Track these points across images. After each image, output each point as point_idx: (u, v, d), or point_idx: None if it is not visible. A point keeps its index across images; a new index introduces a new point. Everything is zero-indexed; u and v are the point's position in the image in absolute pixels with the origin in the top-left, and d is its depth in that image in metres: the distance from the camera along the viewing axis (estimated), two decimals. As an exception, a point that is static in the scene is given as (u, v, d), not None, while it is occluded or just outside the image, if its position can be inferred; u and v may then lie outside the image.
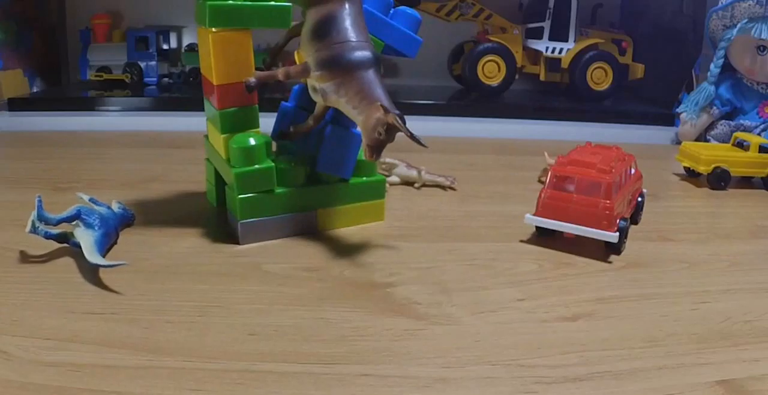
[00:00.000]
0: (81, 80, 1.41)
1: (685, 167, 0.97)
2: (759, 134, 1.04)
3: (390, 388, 0.42)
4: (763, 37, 1.04)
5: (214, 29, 0.60)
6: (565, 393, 0.42)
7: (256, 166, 0.63)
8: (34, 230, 0.57)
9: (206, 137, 0.72)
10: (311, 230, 0.67)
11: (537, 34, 1.41)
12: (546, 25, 1.40)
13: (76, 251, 0.58)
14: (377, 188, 0.71)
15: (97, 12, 1.43)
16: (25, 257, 0.59)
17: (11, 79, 1.29)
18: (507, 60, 1.37)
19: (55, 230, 0.58)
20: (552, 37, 1.40)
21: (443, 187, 0.87)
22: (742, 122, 1.10)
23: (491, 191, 0.87)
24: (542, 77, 1.44)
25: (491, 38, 1.37)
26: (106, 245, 0.59)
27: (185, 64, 1.45)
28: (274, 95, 1.18)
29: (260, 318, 0.50)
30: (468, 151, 1.11)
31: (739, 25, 1.06)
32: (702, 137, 1.16)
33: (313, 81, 0.60)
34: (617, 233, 0.62)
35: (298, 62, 0.65)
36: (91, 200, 0.64)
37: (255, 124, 0.65)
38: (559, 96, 1.45)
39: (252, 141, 0.63)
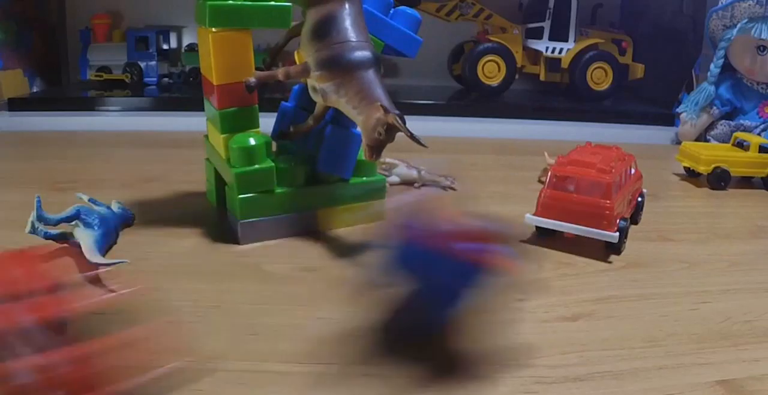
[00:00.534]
0: (81, 80, 1.41)
1: (685, 167, 0.97)
2: (759, 134, 1.04)
3: (390, 388, 0.42)
4: (763, 37, 1.04)
5: (214, 29, 0.60)
6: (565, 393, 0.42)
7: (256, 166, 0.63)
8: (33, 230, 0.57)
9: (206, 137, 0.72)
10: (311, 230, 0.67)
11: (537, 34, 1.41)
12: (546, 25, 1.40)
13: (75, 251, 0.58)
14: (377, 188, 0.71)
15: (97, 12, 1.43)
16: (25, 257, 0.59)
17: (11, 79, 1.29)
18: (507, 60, 1.37)
19: (54, 231, 0.58)
20: (552, 37, 1.40)
21: (443, 187, 0.86)
22: (742, 122, 1.10)
23: (491, 191, 0.87)
24: (542, 77, 1.44)
25: (491, 38, 1.37)
26: (105, 245, 0.59)
27: (185, 64, 1.45)
28: (274, 95, 1.18)
29: (260, 318, 0.50)
30: (468, 151, 1.11)
31: (739, 25, 1.06)
32: (702, 137, 1.16)
33: (313, 81, 0.60)
34: (617, 233, 0.62)
35: (298, 62, 0.65)
36: (90, 200, 0.64)
37: (255, 124, 0.65)
38: (559, 96, 1.45)
39: (252, 141, 0.63)
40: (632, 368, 0.45)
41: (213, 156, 0.70)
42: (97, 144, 1.06)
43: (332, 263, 0.61)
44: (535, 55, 1.43)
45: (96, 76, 1.38)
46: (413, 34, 0.69)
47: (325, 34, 0.59)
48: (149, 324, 0.42)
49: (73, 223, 0.58)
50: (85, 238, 0.56)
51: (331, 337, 0.47)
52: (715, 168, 0.91)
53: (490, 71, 1.37)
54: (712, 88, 1.11)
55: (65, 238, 0.59)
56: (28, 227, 0.57)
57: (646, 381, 0.43)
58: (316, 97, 0.62)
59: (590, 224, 0.63)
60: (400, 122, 0.55)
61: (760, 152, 0.94)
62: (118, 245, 0.62)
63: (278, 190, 0.65)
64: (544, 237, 0.69)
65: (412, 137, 0.56)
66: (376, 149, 0.56)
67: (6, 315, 0.36)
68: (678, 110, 1.20)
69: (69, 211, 0.58)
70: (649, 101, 1.41)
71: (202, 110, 0.70)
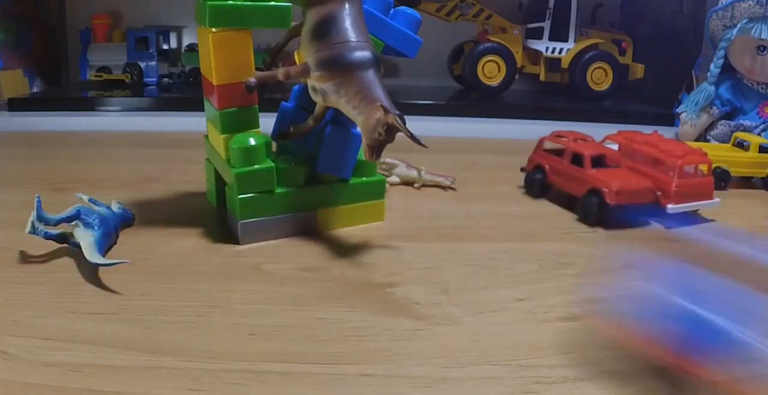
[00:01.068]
0: (81, 80, 1.41)
1: (685, 167, 0.97)
2: (759, 134, 1.04)
3: (390, 388, 0.42)
4: (763, 37, 1.04)
5: (214, 29, 0.60)
6: (565, 393, 0.42)
7: (257, 166, 0.63)
8: (33, 230, 0.57)
9: (206, 137, 0.72)
10: (311, 230, 0.67)
11: (537, 34, 1.41)
12: (546, 25, 1.40)
13: (75, 251, 0.58)
14: (377, 188, 0.71)
15: (97, 12, 1.42)
16: (25, 257, 0.59)
17: (11, 79, 1.29)
18: (507, 60, 1.37)
19: (54, 231, 0.58)
20: (552, 37, 1.40)
21: (443, 187, 0.86)
22: (742, 122, 1.10)
23: (491, 191, 0.87)
24: (542, 77, 1.43)
25: (491, 38, 1.37)
26: (105, 246, 0.59)
27: (185, 64, 1.45)
28: (274, 95, 1.18)
29: (260, 318, 0.50)
30: (468, 151, 1.11)
31: (739, 25, 1.06)
32: (702, 137, 1.15)
33: (313, 81, 0.60)
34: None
35: (298, 62, 0.65)
36: (90, 200, 0.64)
37: (255, 124, 0.65)
38: (559, 96, 1.45)
39: (252, 141, 0.63)
40: (632, 368, 0.45)
41: (213, 156, 0.70)
42: (97, 144, 1.06)
43: (332, 263, 0.61)
44: (535, 56, 1.43)
45: (96, 76, 1.38)
46: (413, 35, 0.69)
47: (325, 34, 0.59)
48: None
49: (73, 223, 0.58)
50: (85, 238, 0.56)
51: (331, 337, 0.47)
52: (716, 168, 0.91)
53: (490, 71, 1.37)
54: (712, 88, 1.11)
55: (65, 238, 0.59)
56: (28, 227, 0.57)
57: (646, 381, 0.43)
58: (316, 98, 0.62)
59: (706, 197, 0.77)
60: (400, 122, 0.55)
61: (760, 152, 0.94)
62: (118, 245, 0.62)
63: (278, 190, 0.65)
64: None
65: (412, 137, 0.56)
66: (376, 149, 0.56)
67: None
68: (678, 110, 1.20)
69: (69, 211, 0.58)
70: (649, 101, 1.41)
71: (202, 110, 0.70)
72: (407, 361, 0.45)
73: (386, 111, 0.55)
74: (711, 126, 1.14)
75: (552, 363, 0.45)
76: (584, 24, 1.43)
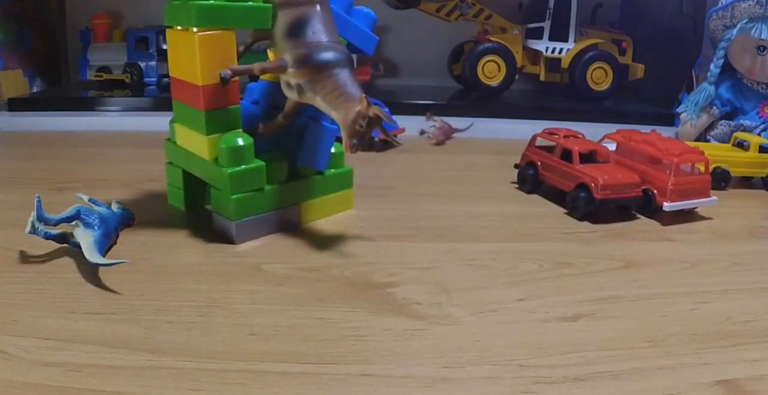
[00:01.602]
0: (81, 80, 1.40)
1: (685, 167, 0.97)
2: (759, 134, 1.04)
3: (390, 388, 0.42)
4: (763, 37, 1.04)
5: (196, 30, 0.60)
6: (565, 393, 0.42)
7: (248, 165, 0.63)
8: (33, 230, 0.57)
9: (168, 140, 0.72)
10: (294, 224, 0.69)
11: (537, 34, 1.41)
12: (546, 25, 1.39)
13: (75, 251, 0.58)
14: (347, 179, 0.75)
15: (97, 12, 1.42)
16: (25, 257, 0.59)
17: (11, 79, 1.29)
18: (507, 60, 1.36)
19: (54, 231, 0.58)
20: (552, 37, 1.40)
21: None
22: (742, 122, 1.10)
23: (491, 191, 0.87)
24: (542, 77, 1.43)
25: (491, 38, 1.37)
26: (105, 246, 0.59)
27: (185, 64, 1.45)
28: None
29: (260, 318, 0.50)
30: (468, 151, 1.11)
31: (739, 25, 1.06)
32: (702, 137, 1.15)
33: (289, 77, 0.62)
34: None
35: (271, 60, 0.66)
36: (90, 200, 0.64)
37: (238, 124, 0.65)
38: (559, 96, 1.45)
39: (240, 141, 0.63)
40: (632, 368, 0.45)
41: (181, 159, 0.70)
42: (97, 144, 1.06)
43: (332, 263, 0.61)
44: (535, 56, 1.43)
45: (96, 76, 1.38)
46: (371, 33, 0.71)
47: (301, 33, 0.61)
48: None
49: (73, 223, 0.58)
50: (85, 238, 0.56)
51: (331, 337, 0.47)
52: (715, 168, 0.91)
53: (490, 71, 1.37)
54: (712, 88, 1.11)
55: (65, 238, 0.59)
56: (28, 227, 0.57)
57: (646, 381, 0.43)
58: (290, 93, 0.64)
59: (703, 195, 0.77)
60: (383, 113, 0.57)
61: (760, 152, 0.94)
62: (118, 245, 0.62)
63: (267, 187, 0.66)
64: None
65: (386, 134, 0.61)
66: (358, 141, 0.58)
67: None
68: (678, 110, 1.19)
69: (69, 211, 0.58)
70: (649, 101, 1.41)
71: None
72: (407, 361, 0.45)
73: (369, 104, 0.57)
74: (711, 126, 1.14)
75: (552, 363, 0.45)
76: (584, 24, 1.43)
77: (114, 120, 1.20)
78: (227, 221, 0.64)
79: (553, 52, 1.40)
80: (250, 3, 0.62)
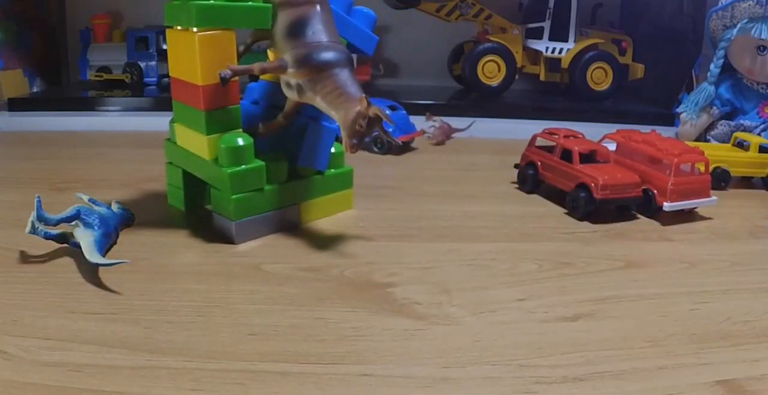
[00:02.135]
0: (81, 80, 1.40)
1: (685, 167, 0.97)
2: (759, 134, 1.04)
3: (390, 388, 0.42)
4: (763, 37, 1.04)
5: (196, 30, 0.60)
6: (565, 393, 0.42)
7: (248, 165, 0.64)
8: (33, 230, 0.57)
9: (168, 140, 0.72)
10: (294, 224, 0.69)
11: (537, 34, 1.41)
12: (546, 25, 1.40)
13: (75, 251, 0.58)
14: (347, 179, 0.75)
15: (97, 12, 1.42)
16: (25, 257, 0.59)
17: (11, 79, 1.29)
18: (507, 60, 1.36)
19: (54, 231, 0.58)
20: (552, 37, 1.40)
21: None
22: (742, 122, 1.10)
23: (491, 191, 0.87)
24: (542, 77, 1.43)
25: (491, 38, 1.37)
26: (105, 246, 0.59)
27: (185, 64, 1.45)
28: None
29: (260, 318, 0.50)
30: (468, 151, 1.11)
31: (739, 25, 1.06)
32: (702, 137, 1.15)
33: (289, 77, 0.62)
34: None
35: (271, 60, 0.66)
36: (90, 200, 0.64)
37: (238, 124, 0.66)
38: (559, 96, 1.45)
39: (240, 141, 0.63)
40: (632, 368, 0.45)
41: (181, 159, 0.70)
42: (97, 144, 1.06)
43: (332, 263, 0.61)
44: (535, 55, 1.43)
45: (96, 76, 1.38)
46: (371, 33, 0.71)
47: (301, 33, 0.61)
48: None
49: (73, 223, 0.58)
50: (85, 238, 0.56)
51: (331, 337, 0.47)
52: (715, 168, 0.91)
53: (490, 71, 1.37)
54: (712, 88, 1.11)
55: (65, 238, 0.59)
56: (28, 227, 0.57)
57: (646, 381, 0.43)
58: (290, 93, 0.64)
59: (703, 195, 0.77)
60: (383, 112, 0.57)
61: (760, 152, 0.94)
62: (118, 245, 0.62)
63: (266, 187, 0.66)
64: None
65: (386, 133, 0.60)
66: (357, 141, 0.58)
67: None
68: (678, 110, 1.19)
69: (69, 211, 0.58)
70: (649, 101, 1.41)
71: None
72: (407, 361, 0.45)
73: (369, 103, 0.57)
74: (711, 126, 1.14)
75: (552, 363, 0.45)
76: (584, 24, 1.43)
77: (114, 120, 1.20)
78: (227, 221, 0.64)
79: (553, 52, 1.40)
80: (250, 3, 0.62)
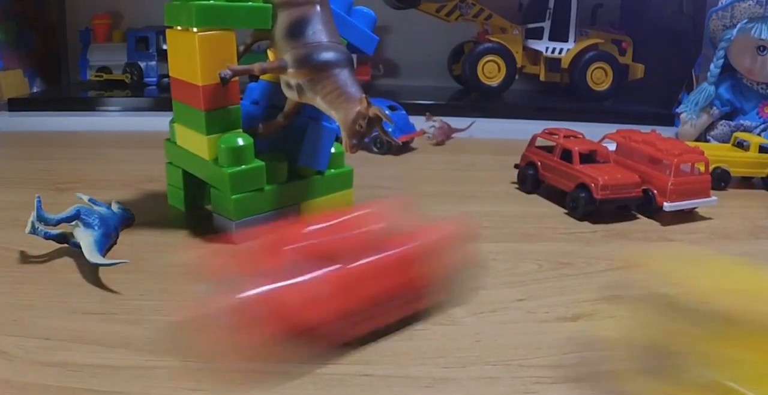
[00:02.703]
0: (81, 80, 1.40)
1: (685, 167, 0.97)
2: (759, 134, 1.04)
3: (390, 388, 0.42)
4: (763, 37, 1.04)
5: (196, 30, 0.60)
6: (565, 393, 0.42)
7: (248, 165, 0.64)
8: (33, 230, 0.57)
9: (168, 140, 0.72)
10: None
11: (537, 34, 1.41)
12: (546, 25, 1.40)
13: (75, 251, 0.58)
14: (347, 179, 0.74)
15: (97, 12, 1.42)
16: (25, 257, 0.59)
17: (11, 79, 1.29)
18: (507, 60, 1.36)
19: (54, 231, 0.58)
20: (552, 38, 1.40)
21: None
22: (742, 122, 1.10)
23: (491, 191, 0.87)
24: (542, 77, 1.43)
25: (491, 38, 1.37)
26: (105, 246, 0.59)
27: (185, 64, 1.45)
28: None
29: (260, 318, 0.50)
30: (468, 151, 1.11)
31: (739, 25, 1.06)
32: (702, 137, 1.15)
33: (289, 77, 0.62)
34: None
35: (271, 60, 0.66)
36: (90, 200, 0.64)
37: (238, 124, 0.65)
38: (559, 96, 1.45)
39: (240, 141, 0.63)
40: (632, 368, 0.44)
41: (182, 159, 0.70)
42: (97, 144, 1.06)
43: (332, 263, 0.60)
44: (535, 56, 1.43)
45: (96, 76, 1.38)
46: (371, 33, 0.71)
47: (300, 33, 0.61)
48: None
49: (73, 223, 0.58)
50: (85, 238, 0.56)
51: (331, 337, 0.47)
52: (715, 168, 0.91)
53: (490, 71, 1.37)
54: (712, 88, 1.11)
55: (65, 238, 0.59)
56: (28, 227, 0.57)
57: (646, 381, 0.43)
58: (290, 94, 0.64)
59: (703, 195, 0.77)
60: (383, 113, 0.57)
61: (760, 152, 0.94)
62: (118, 245, 0.62)
63: (267, 187, 0.66)
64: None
65: (385, 133, 0.60)
66: (357, 141, 0.58)
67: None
68: (678, 110, 1.20)
69: (69, 211, 0.58)
70: (649, 101, 1.41)
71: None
72: (407, 361, 0.45)
73: (369, 104, 0.57)
74: (711, 126, 1.14)
75: (552, 363, 0.45)
76: (584, 24, 1.43)
77: (114, 120, 1.20)
78: (227, 221, 0.64)
79: (553, 52, 1.40)
80: (250, 3, 0.62)
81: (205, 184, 0.68)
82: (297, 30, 0.61)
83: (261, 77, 0.71)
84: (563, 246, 0.67)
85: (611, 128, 0.91)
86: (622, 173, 0.77)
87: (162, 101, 1.26)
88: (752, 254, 0.68)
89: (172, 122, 0.70)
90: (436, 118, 1.16)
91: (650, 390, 0.39)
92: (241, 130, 0.65)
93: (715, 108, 1.12)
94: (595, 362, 0.45)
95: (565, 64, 1.39)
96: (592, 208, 0.75)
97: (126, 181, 0.83)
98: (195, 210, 0.73)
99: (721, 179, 0.91)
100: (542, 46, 1.41)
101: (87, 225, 0.58)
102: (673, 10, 1.39)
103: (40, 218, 0.57)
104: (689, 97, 1.15)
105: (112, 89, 1.34)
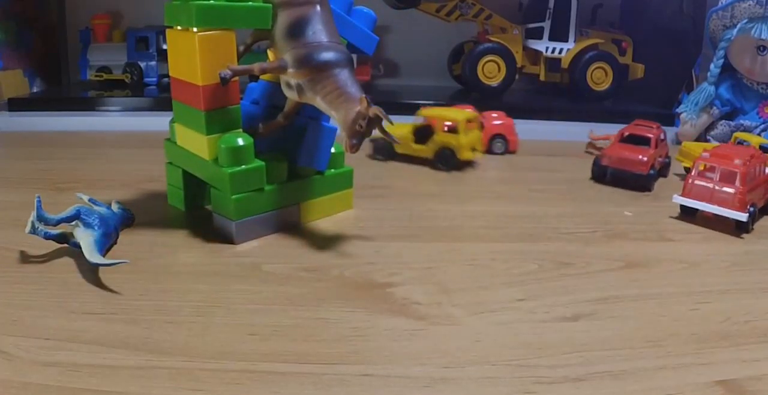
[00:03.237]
0: (81, 80, 1.41)
1: (685, 167, 0.97)
2: (759, 134, 1.04)
3: (390, 388, 0.42)
4: (763, 37, 1.04)
5: (196, 30, 0.60)
6: (565, 393, 0.42)
7: (248, 165, 0.64)
8: (33, 230, 0.57)
9: (167, 140, 0.72)
10: (294, 224, 0.69)
11: (537, 34, 1.41)
12: (546, 25, 1.40)
13: (75, 251, 0.58)
14: (347, 179, 0.75)
15: (97, 12, 1.42)
16: (25, 257, 0.59)
17: (11, 79, 1.29)
18: (507, 60, 1.36)
19: (54, 231, 0.58)
20: (552, 38, 1.40)
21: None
22: (742, 122, 1.10)
23: (491, 191, 0.87)
24: (542, 77, 1.43)
25: (491, 38, 1.37)
26: (105, 246, 0.59)
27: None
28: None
29: (260, 318, 0.50)
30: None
31: (739, 25, 1.06)
32: (702, 137, 1.16)
33: (289, 77, 0.62)
34: (747, 214, 0.72)
35: (271, 60, 0.66)
36: (90, 200, 0.64)
37: (238, 124, 0.66)
38: (559, 96, 1.45)
39: (240, 141, 0.63)
40: (632, 368, 0.45)
41: (182, 159, 0.70)
42: (97, 144, 1.06)
43: (332, 263, 0.61)
44: (535, 56, 1.43)
45: (96, 76, 1.38)
46: (371, 33, 0.71)
47: (300, 33, 0.61)
48: None
49: (73, 223, 0.58)
50: (85, 238, 0.56)
51: (331, 337, 0.47)
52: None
53: (490, 71, 1.37)
54: (712, 88, 1.11)
55: (65, 238, 0.59)
56: (28, 227, 0.57)
57: (646, 381, 0.43)
58: (290, 94, 0.64)
59: (726, 205, 0.73)
60: (383, 113, 0.57)
61: (760, 152, 0.94)
62: (118, 245, 0.62)
63: (267, 187, 0.66)
64: (687, 215, 0.78)
65: (385, 133, 0.60)
66: (357, 141, 0.58)
67: None
68: (678, 110, 1.20)
69: (69, 211, 0.58)
70: (649, 101, 1.41)
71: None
72: (407, 361, 0.45)
73: (369, 104, 0.57)
74: (711, 126, 1.14)
75: (552, 363, 0.45)
76: (584, 24, 1.43)
77: (114, 120, 1.20)
78: (227, 221, 0.64)
79: (553, 52, 1.40)
80: (250, 3, 0.63)
81: (205, 184, 0.68)
82: (297, 30, 0.61)
83: (261, 77, 0.71)
84: (563, 246, 0.67)
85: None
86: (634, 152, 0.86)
87: (162, 101, 1.26)
88: (753, 254, 0.68)
89: (172, 121, 0.70)
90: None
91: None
92: (241, 130, 0.65)
93: (715, 108, 1.12)
94: (595, 362, 0.45)
95: (565, 64, 1.39)
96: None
97: (126, 181, 0.83)
98: (195, 210, 0.73)
99: (721, 179, 0.91)
100: (542, 46, 1.41)
101: (87, 225, 0.58)
102: (673, 10, 1.39)
103: (40, 218, 0.57)
104: (689, 97, 1.15)
105: (112, 89, 1.34)
